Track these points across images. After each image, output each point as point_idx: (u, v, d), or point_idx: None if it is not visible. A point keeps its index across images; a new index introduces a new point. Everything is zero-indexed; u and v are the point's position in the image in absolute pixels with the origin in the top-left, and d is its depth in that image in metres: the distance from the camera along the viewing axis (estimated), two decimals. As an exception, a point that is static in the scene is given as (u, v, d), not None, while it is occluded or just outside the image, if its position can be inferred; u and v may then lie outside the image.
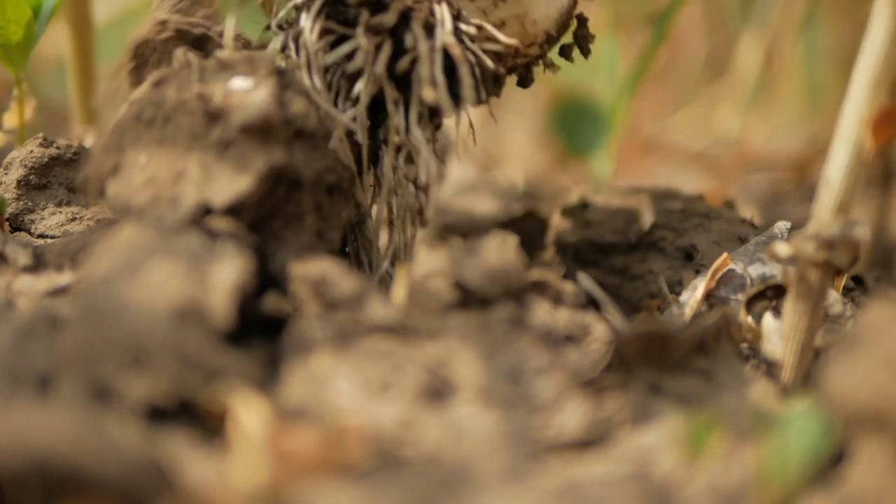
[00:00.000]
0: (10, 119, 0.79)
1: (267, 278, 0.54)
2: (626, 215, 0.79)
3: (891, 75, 0.54)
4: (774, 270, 0.64)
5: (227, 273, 0.50)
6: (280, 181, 0.56)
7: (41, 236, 0.68)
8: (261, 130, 0.56)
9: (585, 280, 0.63)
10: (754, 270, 0.64)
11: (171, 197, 0.55)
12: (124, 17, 1.53)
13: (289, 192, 0.57)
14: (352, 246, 0.62)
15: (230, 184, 0.55)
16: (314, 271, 0.53)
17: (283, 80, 0.57)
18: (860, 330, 0.48)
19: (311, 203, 0.57)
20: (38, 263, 0.58)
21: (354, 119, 0.60)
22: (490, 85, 0.61)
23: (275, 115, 0.56)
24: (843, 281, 0.66)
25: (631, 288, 0.77)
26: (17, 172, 0.70)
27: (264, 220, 0.56)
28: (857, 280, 0.74)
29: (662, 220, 0.78)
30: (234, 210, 0.55)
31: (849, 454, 0.46)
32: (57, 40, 1.23)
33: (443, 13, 0.59)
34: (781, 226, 0.70)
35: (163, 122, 0.57)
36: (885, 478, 0.44)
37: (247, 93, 0.56)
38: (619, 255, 0.79)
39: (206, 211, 0.54)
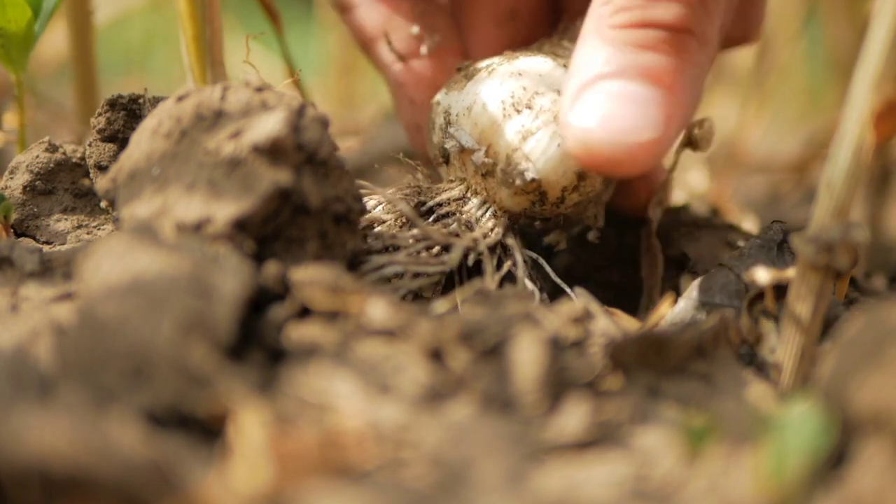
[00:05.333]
0: (10, 119, 0.79)
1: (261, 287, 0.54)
2: (615, 230, 0.80)
3: (892, 77, 0.54)
4: (769, 273, 0.64)
5: (231, 285, 0.50)
6: (286, 204, 0.56)
7: (46, 242, 0.68)
8: (271, 151, 0.56)
9: (582, 294, 0.63)
10: (751, 274, 0.64)
11: (177, 209, 0.56)
12: (124, 17, 1.53)
13: (294, 215, 0.57)
14: None
15: (235, 201, 0.55)
16: (315, 275, 0.54)
17: (302, 109, 0.58)
18: (858, 332, 0.48)
19: (316, 229, 0.58)
20: (45, 270, 0.58)
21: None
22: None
23: (287, 138, 0.56)
24: (846, 284, 0.66)
25: (625, 301, 0.77)
26: (22, 178, 0.69)
27: (266, 241, 0.57)
28: (849, 280, 0.74)
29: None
30: (237, 227, 0.55)
31: (848, 455, 0.46)
32: (57, 40, 1.24)
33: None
34: (777, 227, 0.70)
35: (179, 136, 0.57)
36: (884, 478, 0.44)
37: (262, 114, 0.57)
38: (612, 269, 0.79)
39: (209, 226, 0.55)
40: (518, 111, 0.68)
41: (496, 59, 0.72)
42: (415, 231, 0.67)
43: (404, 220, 0.68)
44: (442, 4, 0.80)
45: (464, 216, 0.70)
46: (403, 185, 0.72)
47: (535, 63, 0.70)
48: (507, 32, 0.78)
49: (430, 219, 0.70)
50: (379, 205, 0.69)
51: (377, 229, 0.67)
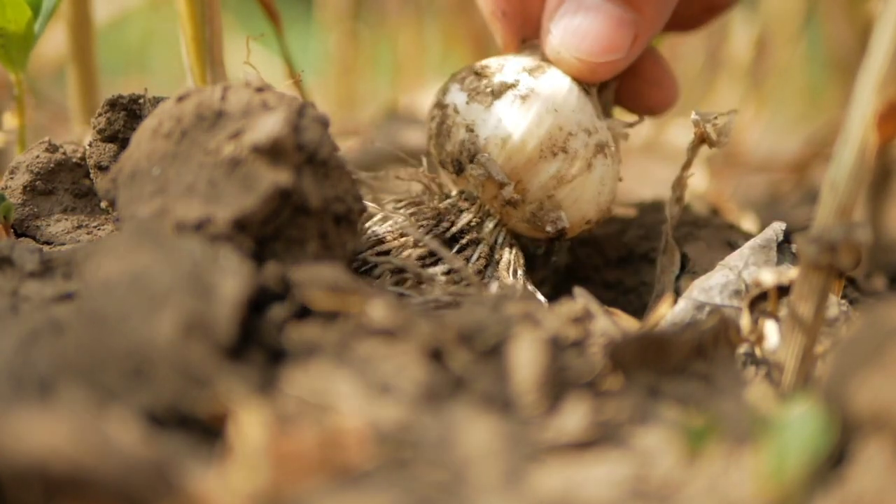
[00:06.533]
0: (10, 119, 0.79)
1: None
2: (615, 230, 0.80)
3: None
4: (772, 273, 0.64)
5: (231, 285, 0.50)
6: (286, 204, 0.56)
7: (46, 242, 0.68)
8: (271, 152, 0.56)
9: (582, 294, 0.63)
10: (751, 274, 0.64)
11: (177, 209, 0.56)
12: (124, 17, 1.53)
13: (294, 216, 0.57)
14: None
15: (235, 201, 0.55)
16: (315, 275, 0.54)
17: (303, 109, 0.58)
18: (858, 332, 0.48)
19: (316, 230, 0.58)
20: (46, 269, 0.58)
21: None
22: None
23: (287, 138, 0.56)
24: (842, 284, 0.66)
25: (625, 301, 0.77)
26: (22, 178, 0.69)
27: (266, 241, 0.57)
28: (849, 280, 0.74)
29: (652, 232, 0.79)
30: (237, 228, 0.55)
31: (848, 455, 0.46)
32: (57, 40, 1.24)
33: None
34: (777, 227, 0.70)
35: (180, 137, 0.57)
36: (884, 478, 0.44)
37: (263, 115, 0.57)
38: (612, 269, 0.79)
39: (209, 226, 0.55)
40: (554, 154, 0.69)
41: (518, 68, 0.71)
42: (444, 267, 0.68)
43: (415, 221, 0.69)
44: None
45: (481, 244, 0.71)
46: (418, 203, 0.71)
47: (563, 90, 0.70)
48: None
49: (455, 248, 0.70)
50: (398, 224, 0.69)
51: (403, 252, 0.68)
